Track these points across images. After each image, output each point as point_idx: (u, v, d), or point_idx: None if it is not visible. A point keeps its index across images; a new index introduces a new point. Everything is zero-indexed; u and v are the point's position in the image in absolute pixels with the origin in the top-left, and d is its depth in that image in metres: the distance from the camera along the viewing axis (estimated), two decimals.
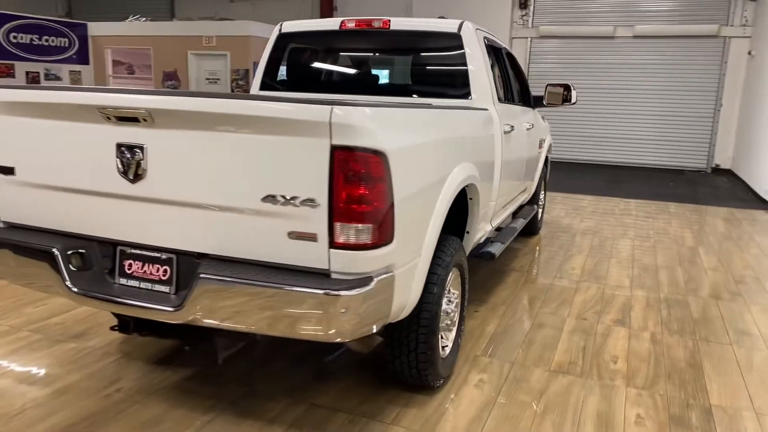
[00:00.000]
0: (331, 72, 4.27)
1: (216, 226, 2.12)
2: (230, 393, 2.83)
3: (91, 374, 2.97)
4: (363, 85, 4.08)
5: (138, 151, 2.16)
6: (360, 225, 1.96)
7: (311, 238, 2.00)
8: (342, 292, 1.94)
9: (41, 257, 2.33)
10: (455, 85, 3.75)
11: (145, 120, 2.11)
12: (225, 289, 2.04)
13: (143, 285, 2.31)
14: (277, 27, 4.18)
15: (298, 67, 4.24)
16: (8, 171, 2.46)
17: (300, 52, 4.22)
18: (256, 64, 12.68)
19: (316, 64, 4.28)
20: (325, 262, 2.02)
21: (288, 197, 1.99)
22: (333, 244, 1.99)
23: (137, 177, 2.18)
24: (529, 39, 13.51)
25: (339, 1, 14.85)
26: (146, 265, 2.30)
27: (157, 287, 2.28)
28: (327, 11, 14.58)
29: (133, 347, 3.26)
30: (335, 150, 1.92)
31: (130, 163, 2.18)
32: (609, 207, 8.10)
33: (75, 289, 2.28)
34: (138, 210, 2.24)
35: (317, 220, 1.98)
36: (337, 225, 1.96)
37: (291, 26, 4.13)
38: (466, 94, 3.72)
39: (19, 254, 2.39)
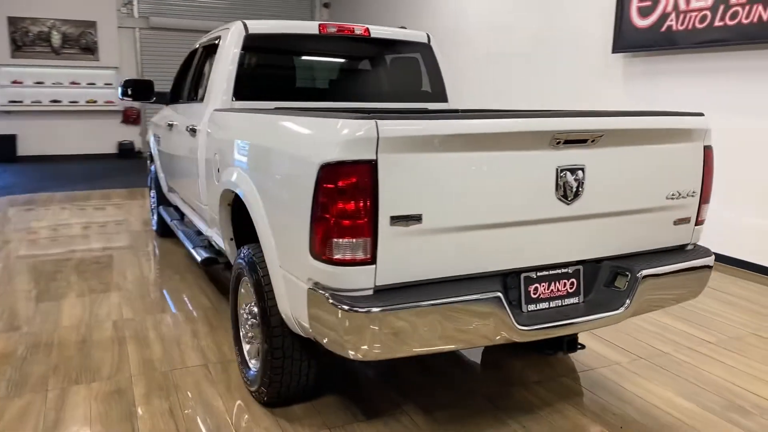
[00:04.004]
0: (308, 79, 3.96)
1: (625, 228, 2.39)
2: (507, 416, 2.87)
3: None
4: (343, 92, 4.00)
5: (579, 171, 2.19)
6: (706, 205, 2.63)
7: (687, 221, 2.56)
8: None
9: (487, 307, 2.03)
10: (434, 90, 4.20)
11: (593, 141, 2.18)
12: (662, 281, 2.40)
13: (552, 304, 2.31)
14: (239, 26, 3.62)
15: (271, 74, 3.77)
16: (413, 220, 1.94)
17: (272, 56, 3.76)
18: None
19: (292, 71, 3.89)
20: (689, 238, 2.61)
21: (681, 192, 2.48)
22: (697, 222, 2.60)
23: (575, 197, 2.21)
24: (137, 29, 12.74)
25: None
26: (552, 284, 2.30)
27: (567, 301, 2.34)
28: None
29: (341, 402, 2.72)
30: (706, 149, 2.54)
31: (571, 184, 2.18)
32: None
33: (525, 328, 2.12)
34: (562, 230, 2.24)
35: (693, 206, 2.55)
36: (703, 207, 2.59)
37: (259, 27, 3.66)
38: (444, 98, 4.23)
39: (458, 311, 1.98)
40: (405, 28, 4.16)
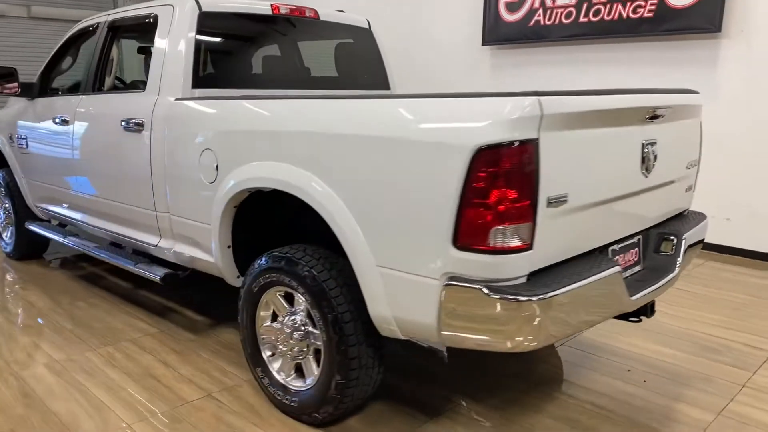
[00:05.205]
0: (263, 64, 3.53)
1: (665, 197, 2.60)
2: (550, 389, 2.91)
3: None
4: (297, 78, 3.68)
5: (654, 145, 2.32)
6: (698, 174, 2.98)
7: (691, 188, 2.87)
8: None
9: (614, 281, 2.05)
10: (377, 77, 4.10)
11: (662, 116, 2.33)
12: (698, 243, 2.67)
13: (626, 273, 2.42)
14: (190, 3, 3.13)
15: (230, 58, 3.33)
16: (562, 200, 1.88)
17: (229, 38, 3.32)
18: None
19: (249, 55, 3.44)
20: (689, 204, 2.93)
21: (691, 162, 2.78)
22: (693, 190, 2.93)
23: (650, 170, 2.34)
24: None
25: None
26: (625, 255, 2.42)
27: (635, 269, 2.48)
28: None
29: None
30: (701, 124, 2.87)
31: (650, 158, 2.31)
32: None
33: (633, 298, 2.20)
34: (638, 202, 2.36)
35: (694, 175, 2.87)
36: (698, 176, 2.93)
37: (212, 4, 3.20)
38: (387, 86, 4.16)
39: (596, 288, 1.97)
40: (342, 11, 3.97)
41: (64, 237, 4.11)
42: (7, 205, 4.89)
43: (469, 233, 1.83)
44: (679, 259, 2.55)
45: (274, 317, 2.61)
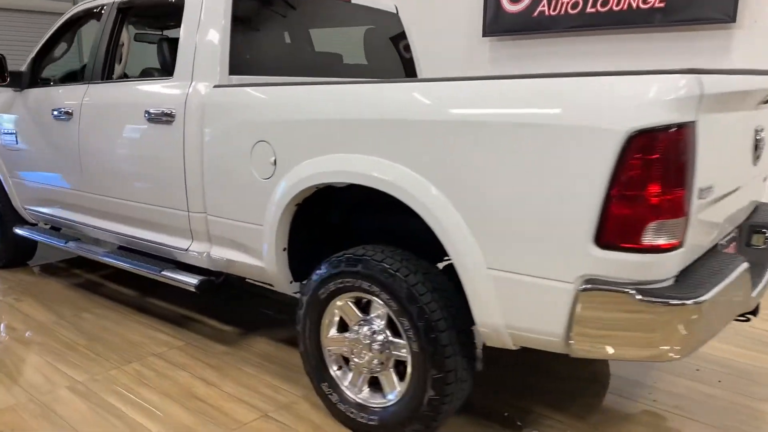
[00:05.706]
0: (296, 50, 3.23)
1: (755, 188, 2.46)
2: (626, 395, 2.74)
3: None
4: (329, 65, 3.40)
5: (763, 132, 2.17)
6: None
7: (766, 179, 2.74)
8: None
9: (746, 277, 1.88)
10: (408, 65, 3.86)
11: None
12: None
13: None
14: None
15: (266, 43, 3.03)
16: (708, 191, 1.69)
17: (260, 21, 3.01)
18: None
19: (279, 40, 3.14)
20: (762, 195, 2.80)
21: None
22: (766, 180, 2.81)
23: (759, 158, 2.18)
24: None
25: None
26: (727, 249, 2.26)
27: None
28: None
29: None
30: None
31: (760, 145, 2.15)
32: None
33: (754, 295, 2.03)
34: (744, 192, 2.20)
35: None
36: None
37: None
38: (415, 73, 3.92)
39: (736, 287, 1.80)
40: None
41: (65, 242, 3.72)
42: None
43: (616, 230, 1.63)
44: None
45: (342, 326, 2.35)
